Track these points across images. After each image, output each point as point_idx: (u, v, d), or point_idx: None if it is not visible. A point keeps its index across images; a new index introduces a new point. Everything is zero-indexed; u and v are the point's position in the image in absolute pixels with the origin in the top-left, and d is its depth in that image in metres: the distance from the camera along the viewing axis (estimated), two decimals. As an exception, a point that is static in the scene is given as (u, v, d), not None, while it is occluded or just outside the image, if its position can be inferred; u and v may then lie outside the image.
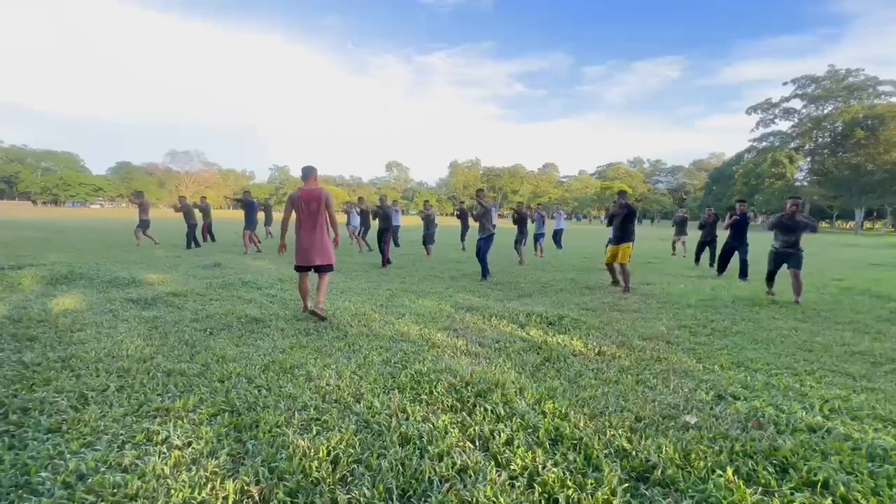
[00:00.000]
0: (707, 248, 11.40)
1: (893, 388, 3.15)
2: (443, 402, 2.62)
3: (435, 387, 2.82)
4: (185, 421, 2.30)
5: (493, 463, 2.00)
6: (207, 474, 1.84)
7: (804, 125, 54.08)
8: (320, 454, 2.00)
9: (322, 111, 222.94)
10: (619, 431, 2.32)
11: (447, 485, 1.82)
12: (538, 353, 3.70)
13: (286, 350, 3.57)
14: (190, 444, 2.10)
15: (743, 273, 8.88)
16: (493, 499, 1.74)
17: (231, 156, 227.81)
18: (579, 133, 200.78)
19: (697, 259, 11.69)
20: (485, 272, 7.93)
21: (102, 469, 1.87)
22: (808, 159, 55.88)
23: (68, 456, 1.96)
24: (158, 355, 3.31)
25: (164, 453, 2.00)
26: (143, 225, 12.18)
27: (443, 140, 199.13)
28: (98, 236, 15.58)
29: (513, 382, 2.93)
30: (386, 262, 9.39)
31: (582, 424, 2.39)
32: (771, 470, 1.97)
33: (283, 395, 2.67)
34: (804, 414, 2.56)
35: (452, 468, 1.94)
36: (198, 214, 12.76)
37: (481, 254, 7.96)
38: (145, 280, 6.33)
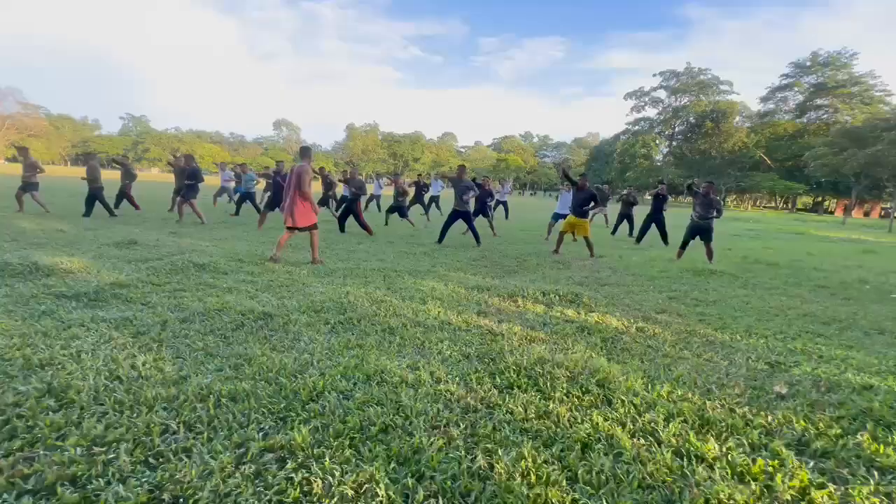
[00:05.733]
0: (625, 220, 13.02)
1: (859, 343, 3.96)
2: (577, 397, 2.53)
3: (551, 381, 2.70)
4: (327, 462, 1.83)
5: (696, 460, 2.00)
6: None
7: (667, 113, 63.40)
8: (531, 478, 1.78)
9: (189, 54, 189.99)
10: (745, 409, 2.51)
11: (687, 488, 1.78)
12: (591, 334, 3.78)
13: (342, 351, 3.07)
14: (364, 491, 1.68)
15: (663, 239, 10.82)
16: (733, 497, 1.75)
17: (67, 100, 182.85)
18: (475, 103, 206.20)
19: (615, 230, 13.23)
20: (477, 238, 9.22)
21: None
22: (669, 143, 65.93)
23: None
24: (191, 375, 2.56)
25: (352, 510, 1.57)
26: (33, 187, 10.34)
27: (337, 100, 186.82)
28: None
29: (607, 367, 2.95)
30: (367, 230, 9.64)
31: (708, 406, 2.52)
32: (887, 430, 2.33)
33: (410, 410, 2.28)
34: (848, 375, 3.07)
35: (668, 473, 1.89)
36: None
37: (470, 223, 9.11)
38: (57, 267, 4.80)
